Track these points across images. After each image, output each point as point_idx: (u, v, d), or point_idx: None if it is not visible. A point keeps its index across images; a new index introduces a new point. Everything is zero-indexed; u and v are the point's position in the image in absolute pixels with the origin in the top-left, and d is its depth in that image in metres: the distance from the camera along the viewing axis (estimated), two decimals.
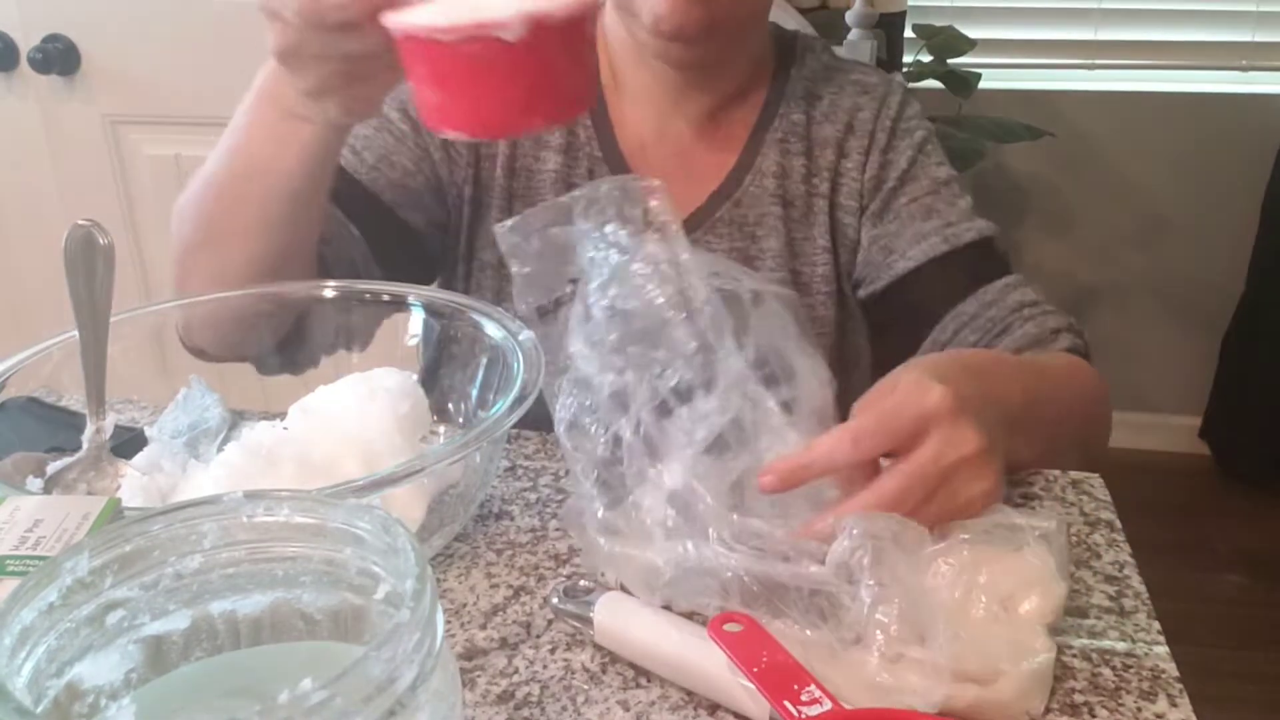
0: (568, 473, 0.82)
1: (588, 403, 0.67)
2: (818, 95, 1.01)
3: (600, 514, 0.65)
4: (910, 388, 0.64)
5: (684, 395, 0.65)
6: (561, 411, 0.68)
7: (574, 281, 0.72)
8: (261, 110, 0.81)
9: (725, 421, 0.65)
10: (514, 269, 0.71)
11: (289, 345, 0.88)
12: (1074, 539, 0.75)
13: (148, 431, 0.80)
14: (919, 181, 0.99)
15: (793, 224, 1.00)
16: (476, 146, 0.99)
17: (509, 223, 0.71)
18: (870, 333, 1.04)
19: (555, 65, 0.61)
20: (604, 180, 0.72)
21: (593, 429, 0.66)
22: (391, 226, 0.98)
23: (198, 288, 0.86)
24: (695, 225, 0.98)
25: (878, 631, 0.57)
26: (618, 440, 0.65)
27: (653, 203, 0.70)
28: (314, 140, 0.79)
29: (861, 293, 1.01)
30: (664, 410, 0.65)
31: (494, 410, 0.68)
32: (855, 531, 0.59)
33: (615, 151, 0.99)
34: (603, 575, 0.69)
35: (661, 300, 0.67)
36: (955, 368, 0.71)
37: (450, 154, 0.99)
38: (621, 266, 0.68)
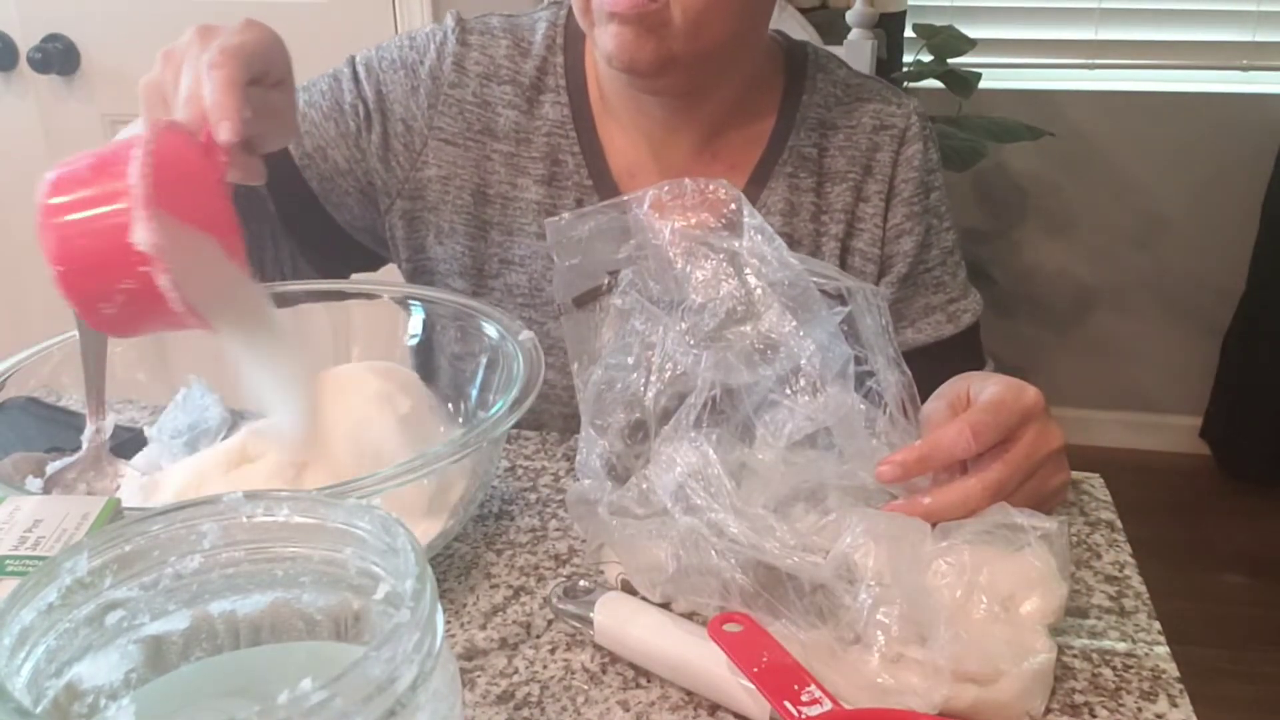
0: (571, 470, 0.82)
1: (635, 378, 0.69)
2: (832, 125, 0.95)
3: (610, 493, 0.66)
4: (1007, 386, 0.68)
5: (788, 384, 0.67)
6: (591, 389, 0.69)
7: (613, 273, 0.73)
8: None
9: (824, 421, 0.66)
10: (559, 261, 0.74)
11: None
12: (1074, 539, 0.75)
13: (147, 431, 0.80)
14: (931, 251, 0.97)
15: None
16: (417, 164, 0.95)
17: (565, 217, 0.74)
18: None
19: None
20: (665, 182, 0.73)
21: (634, 401, 0.68)
22: (313, 213, 0.97)
23: None
24: None
25: (878, 632, 0.57)
26: (666, 414, 0.67)
27: (731, 204, 0.72)
28: None
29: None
30: (767, 402, 0.67)
31: (494, 410, 0.68)
32: (857, 530, 0.59)
33: (606, 179, 0.94)
34: (601, 573, 0.69)
35: (753, 290, 0.69)
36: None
37: (389, 163, 0.95)
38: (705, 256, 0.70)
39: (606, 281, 0.74)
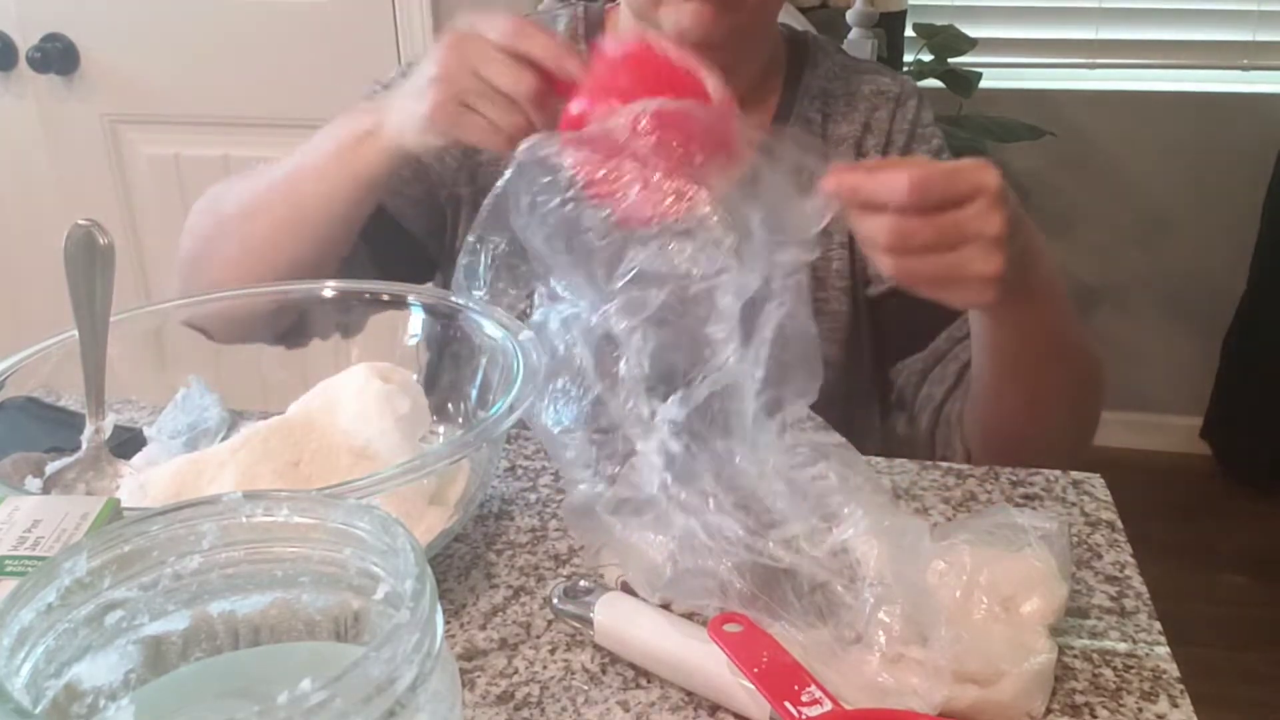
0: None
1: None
2: (833, 94, 1.01)
3: (605, 492, 0.65)
4: (973, 164, 0.68)
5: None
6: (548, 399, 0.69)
7: (529, 295, 0.74)
8: (334, 143, 0.88)
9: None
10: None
11: (290, 335, 0.89)
12: (1075, 539, 0.75)
13: (147, 431, 0.80)
14: None
15: None
16: (469, 152, 0.99)
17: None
18: (875, 330, 1.05)
19: None
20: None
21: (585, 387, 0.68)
22: (393, 233, 1.00)
23: (209, 286, 0.90)
24: None
25: (879, 631, 0.57)
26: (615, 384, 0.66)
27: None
28: (383, 165, 0.86)
29: (871, 291, 1.02)
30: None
31: (494, 410, 0.68)
32: (860, 526, 0.59)
33: None
34: (601, 576, 0.68)
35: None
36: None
37: (443, 158, 1.00)
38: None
39: (522, 308, 0.75)
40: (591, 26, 1.03)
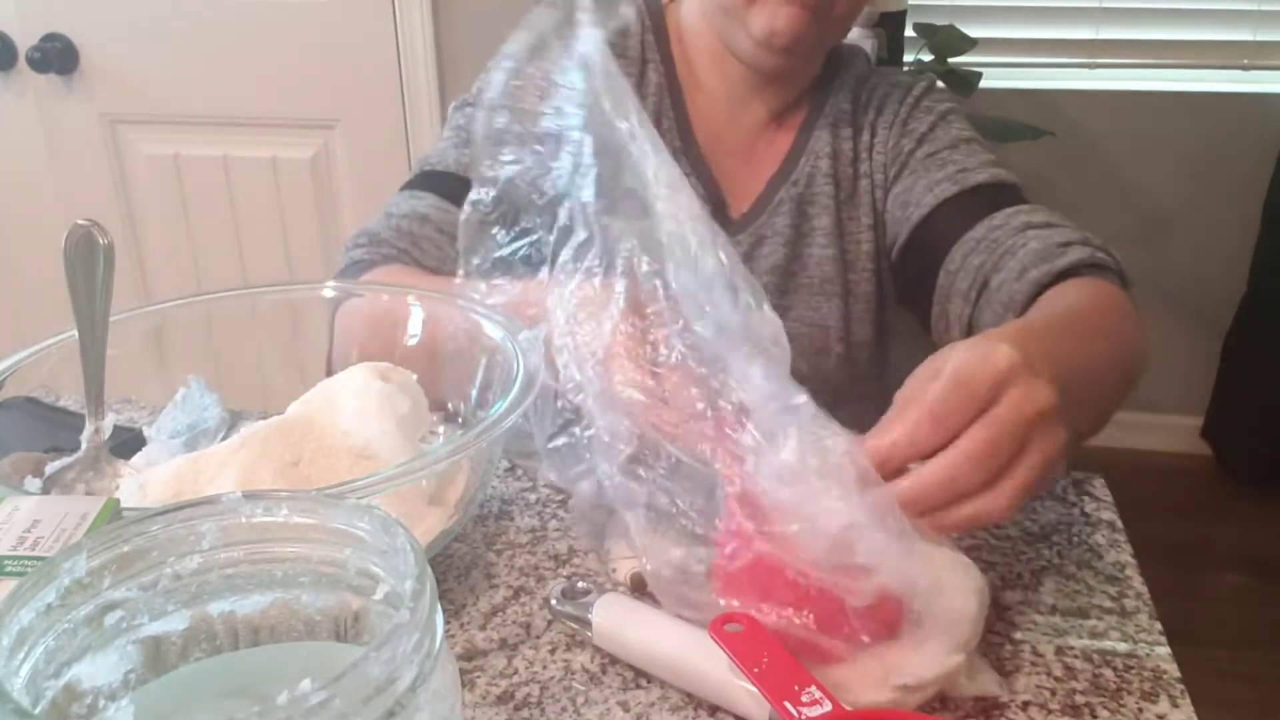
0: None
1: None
2: (861, 89, 1.07)
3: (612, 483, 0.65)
4: (971, 354, 0.58)
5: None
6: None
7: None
8: None
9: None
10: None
11: None
12: (1076, 539, 0.75)
13: (146, 431, 0.80)
14: (938, 140, 1.02)
15: (841, 204, 1.04)
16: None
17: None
18: (901, 295, 1.07)
19: None
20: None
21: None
22: None
23: None
24: (759, 210, 1.03)
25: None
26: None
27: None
28: None
29: (892, 255, 1.04)
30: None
31: (494, 410, 0.68)
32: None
33: (692, 141, 1.04)
34: (614, 570, 0.69)
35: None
36: (1010, 332, 0.65)
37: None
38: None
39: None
40: (655, 14, 1.06)
